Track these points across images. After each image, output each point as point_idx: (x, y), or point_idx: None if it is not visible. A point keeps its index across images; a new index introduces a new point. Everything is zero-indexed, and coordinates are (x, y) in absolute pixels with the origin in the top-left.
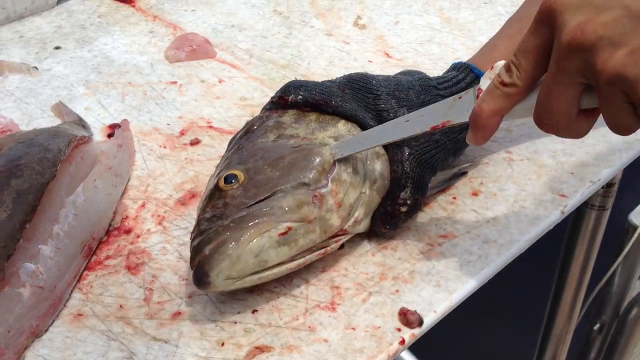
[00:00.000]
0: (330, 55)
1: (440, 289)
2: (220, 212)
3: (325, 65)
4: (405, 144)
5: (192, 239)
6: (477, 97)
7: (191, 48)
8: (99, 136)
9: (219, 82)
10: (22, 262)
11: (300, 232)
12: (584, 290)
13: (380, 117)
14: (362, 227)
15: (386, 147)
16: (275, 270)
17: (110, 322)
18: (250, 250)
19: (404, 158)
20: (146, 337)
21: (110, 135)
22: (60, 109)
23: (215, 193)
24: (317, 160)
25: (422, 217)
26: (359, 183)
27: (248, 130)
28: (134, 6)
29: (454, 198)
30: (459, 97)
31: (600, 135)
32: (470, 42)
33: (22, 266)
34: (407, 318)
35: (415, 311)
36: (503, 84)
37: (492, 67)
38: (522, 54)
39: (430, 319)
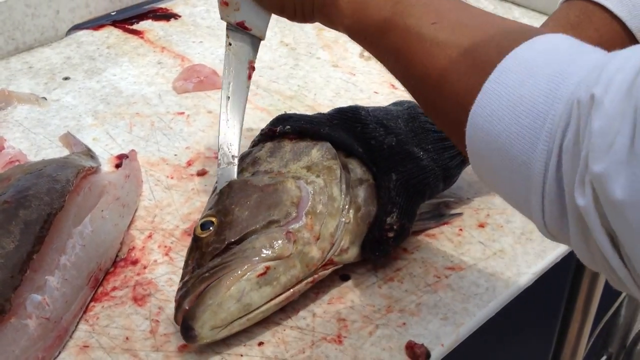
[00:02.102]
0: (337, 87)
1: (447, 322)
2: (197, 262)
3: (331, 96)
4: (392, 169)
5: (176, 293)
6: None
7: (199, 79)
8: (106, 166)
9: None
10: (28, 293)
11: (280, 270)
12: (590, 323)
13: (369, 146)
14: (351, 255)
15: (372, 172)
16: (264, 308)
17: (117, 354)
18: (230, 296)
19: (390, 184)
20: None
21: (118, 166)
22: (68, 139)
23: (194, 243)
24: (284, 196)
25: (429, 249)
26: (338, 211)
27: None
28: (142, 38)
29: (461, 230)
30: None
31: None
32: None
33: (29, 297)
34: (414, 352)
35: (423, 344)
36: None
37: None
38: None
39: (437, 353)
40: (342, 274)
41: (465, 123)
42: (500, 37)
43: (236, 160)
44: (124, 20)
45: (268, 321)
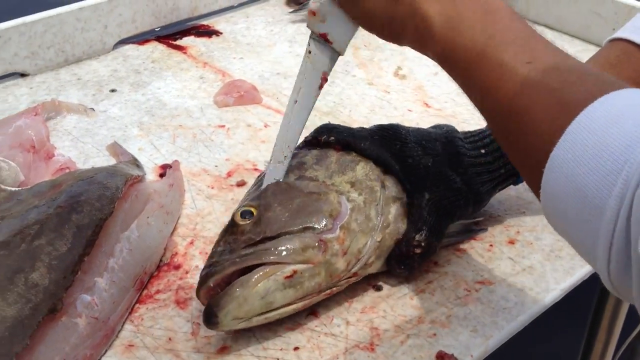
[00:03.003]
0: (371, 104)
1: (477, 334)
2: (230, 246)
3: (366, 113)
4: (426, 189)
5: (202, 270)
6: None
7: (239, 94)
8: (151, 175)
9: (265, 126)
10: (79, 293)
11: (306, 276)
12: (614, 342)
13: (406, 164)
14: (374, 268)
15: (406, 190)
16: (282, 311)
17: (160, 353)
18: (256, 292)
19: (423, 203)
20: None
21: (162, 175)
22: (115, 148)
23: (230, 227)
24: (325, 207)
25: (460, 263)
26: (371, 230)
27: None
28: (185, 53)
29: (491, 245)
30: None
31: None
32: None
33: (79, 297)
34: None
35: (453, 355)
36: None
37: None
38: None
39: None
40: (375, 284)
41: (544, 163)
42: (590, 84)
43: (287, 162)
44: (168, 36)
45: (303, 327)
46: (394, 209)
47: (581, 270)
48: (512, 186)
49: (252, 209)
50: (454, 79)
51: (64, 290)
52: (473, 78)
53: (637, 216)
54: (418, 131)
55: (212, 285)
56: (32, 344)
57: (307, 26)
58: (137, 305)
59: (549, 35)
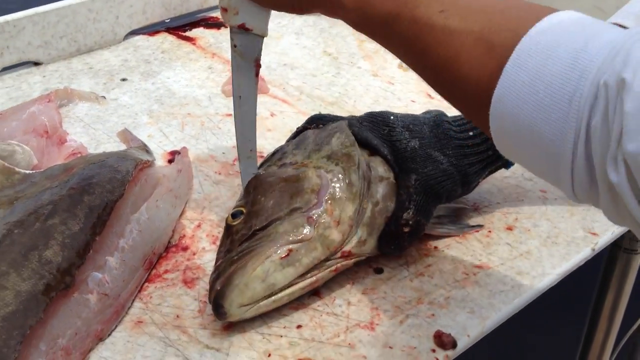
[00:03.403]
0: (376, 95)
1: (474, 315)
2: (228, 248)
3: (370, 103)
4: (413, 170)
5: (210, 277)
6: None
7: None
8: (160, 161)
9: (271, 115)
10: (90, 271)
11: (302, 252)
12: (614, 336)
13: (393, 147)
14: (368, 248)
15: (394, 172)
16: (289, 291)
17: (168, 330)
18: (255, 276)
19: (410, 183)
20: (200, 344)
21: (170, 161)
22: (125, 135)
23: (226, 231)
24: (306, 185)
25: (459, 248)
26: (356, 196)
27: (261, 165)
28: (194, 44)
29: (490, 232)
30: None
31: None
32: None
33: (91, 275)
34: (442, 340)
35: (450, 334)
36: None
37: None
38: None
39: (463, 343)
40: (376, 267)
41: (487, 107)
42: (512, 19)
43: (255, 154)
44: (178, 27)
45: (306, 307)
46: (381, 188)
47: (577, 256)
48: (510, 175)
49: (241, 208)
50: (377, 41)
51: (76, 268)
52: (393, 38)
53: (597, 146)
54: (406, 116)
55: (218, 288)
56: (46, 317)
57: (224, 22)
58: (146, 284)
59: None
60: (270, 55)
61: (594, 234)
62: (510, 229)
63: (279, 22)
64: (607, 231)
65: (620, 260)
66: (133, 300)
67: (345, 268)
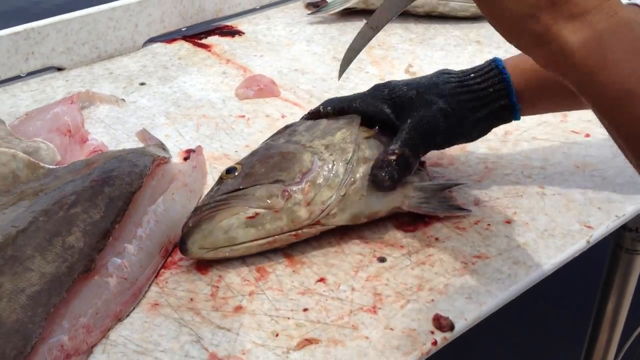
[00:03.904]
0: None
1: (471, 300)
2: (212, 194)
3: None
4: (408, 116)
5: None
6: None
7: (259, 87)
8: (176, 159)
9: (282, 117)
10: (110, 256)
11: (267, 219)
12: (618, 337)
13: (394, 103)
14: (338, 220)
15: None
16: (246, 245)
17: (182, 311)
18: (220, 227)
19: (404, 127)
20: (212, 325)
21: (186, 159)
22: (144, 134)
23: (217, 181)
24: (297, 164)
25: (459, 239)
26: (336, 185)
27: (274, 134)
28: (210, 51)
29: (489, 225)
30: None
31: (628, 176)
32: None
33: (111, 260)
34: (440, 323)
35: (448, 317)
36: None
37: None
38: None
39: (461, 326)
40: (380, 256)
41: None
42: None
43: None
44: (194, 35)
45: (312, 292)
46: (362, 169)
47: (572, 247)
48: (510, 173)
49: (237, 166)
50: (593, 111)
51: (97, 253)
52: (619, 116)
53: None
54: (408, 79)
55: (190, 225)
56: (68, 297)
57: None
58: (163, 270)
59: None
60: (282, 61)
61: (589, 227)
62: (508, 222)
63: (291, 30)
64: (602, 225)
65: (622, 261)
66: (150, 285)
67: (308, 236)
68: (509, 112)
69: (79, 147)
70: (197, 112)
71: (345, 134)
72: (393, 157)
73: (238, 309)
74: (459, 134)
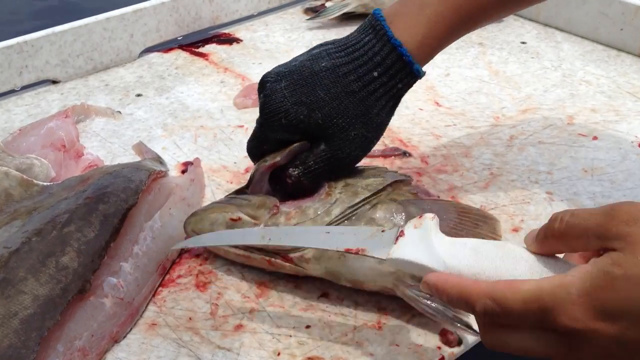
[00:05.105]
0: None
1: None
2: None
3: None
4: (322, 138)
5: None
6: (398, 239)
7: (257, 96)
8: (174, 172)
9: None
10: (105, 276)
11: (246, 227)
12: None
13: (300, 130)
14: (311, 268)
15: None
16: (224, 248)
17: (181, 331)
18: (208, 218)
19: (317, 151)
20: (211, 345)
21: (184, 172)
22: (140, 148)
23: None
24: (310, 190)
25: None
26: (322, 224)
27: None
28: (207, 59)
29: None
30: (382, 230)
31: (638, 180)
32: (517, 92)
33: (106, 280)
34: (447, 338)
35: (455, 332)
36: (473, 312)
37: (420, 217)
38: (511, 319)
39: (469, 340)
40: None
41: None
42: None
43: None
44: (191, 44)
45: (315, 308)
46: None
47: None
48: (516, 179)
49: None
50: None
51: (92, 273)
52: None
53: None
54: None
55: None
56: (63, 320)
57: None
58: (160, 288)
59: (559, 37)
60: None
61: None
62: (516, 230)
63: (290, 37)
64: None
65: None
66: (147, 304)
67: (277, 269)
68: (415, 80)
69: (74, 162)
70: (195, 123)
71: (374, 181)
72: (289, 181)
73: (238, 327)
74: (373, 141)
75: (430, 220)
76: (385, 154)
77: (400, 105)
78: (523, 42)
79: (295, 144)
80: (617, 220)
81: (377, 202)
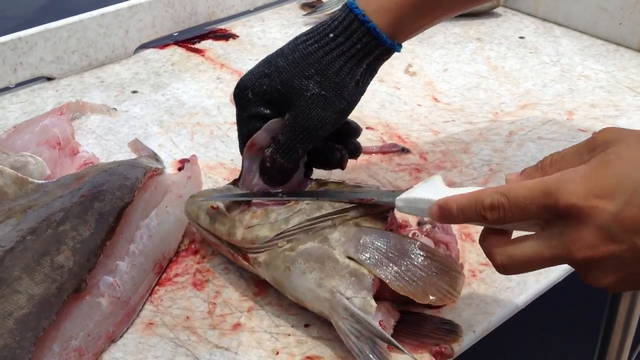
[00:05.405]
0: (382, 100)
1: (479, 311)
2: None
3: (377, 108)
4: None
5: None
6: (405, 191)
7: None
8: (170, 169)
9: None
10: (101, 275)
11: (218, 217)
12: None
13: (266, 102)
14: (262, 273)
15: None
16: (203, 231)
17: (178, 331)
18: (196, 202)
19: (283, 124)
20: (209, 344)
21: (180, 169)
22: (136, 145)
23: None
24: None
25: (465, 247)
26: (277, 231)
27: None
28: (203, 55)
29: None
30: (392, 191)
31: None
32: (515, 88)
33: (102, 279)
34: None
35: (449, 346)
36: (484, 218)
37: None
38: (518, 209)
39: (469, 338)
40: None
41: None
42: None
43: None
44: (187, 40)
45: None
46: (313, 244)
47: None
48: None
49: None
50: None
51: (88, 272)
52: None
53: None
54: (264, 62)
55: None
56: (58, 319)
57: None
58: (157, 287)
59: (557, 32)
60: None
61: None
62: None
63: (287, 32)
64: None
65: None
66: (144, 303)
67: (243, 266)
68: (388, 53)
69: (69, 160)
70: (191, 120)
71: (336, 191)
72: (268, 164)
73: (236, 326)
74: (346, 109)
75: (437, 176)
76: (383, 151)
77: (398, 101)
78: (521, 37)
79: (269, 121)
80: (602, 137)
81: (340, 223)
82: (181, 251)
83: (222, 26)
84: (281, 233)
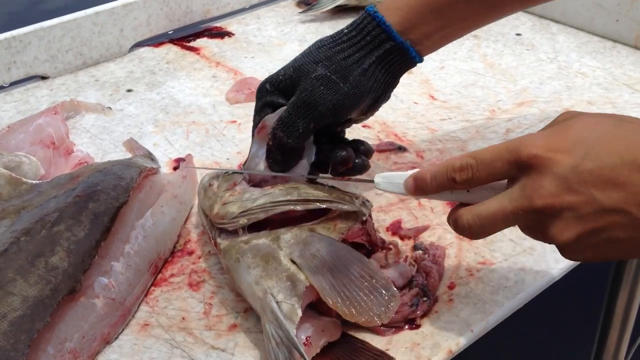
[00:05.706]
0: None
1: (477, 310)
2: None
3: None
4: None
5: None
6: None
7: (250, 91)
8: (165, 169)
9: None
10: (96, 276)
11: (208, 194)
12: (629, 334)
13: (281, 91)
14: (221, 261)
15: None
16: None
17: (174, 332)
18: (202, 180)
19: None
20: (205, 345)
21: (175, 168)
22: (131, 144)
23: None
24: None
25: (461, 245)
26: (243, 210)
27: None
28: (198, 54)
29: None
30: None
31: None
32: (512, 85)
33: (97, 280)
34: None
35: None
36: (454, 180)
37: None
38: (485, 167)
39: (467, 338)
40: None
41: None
42: None
43: None
44: (182, 38)
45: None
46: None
47: None
48: None
49: None
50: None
51: (82, 273)
52: None
53: None
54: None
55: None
56: (53, 321)
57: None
58: (153, 288)
59: (554, 29)
60: (273, 62)
61: None
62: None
63: (282, 30)
64: None
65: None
66: (139, 304)
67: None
68: (402, 54)
69: (64, 160)
70: (187, 119)
71: (314, 188)
72: (270, 143)
73: (233, 327)
74: (350, 94)
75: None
76: (380, 149)
77: (394, 99)
78: (518, 34)
79: (282, 107)
80: (562, 117)
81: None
82: (177, 251)
83: (217, 24)
84: (245, 211)
